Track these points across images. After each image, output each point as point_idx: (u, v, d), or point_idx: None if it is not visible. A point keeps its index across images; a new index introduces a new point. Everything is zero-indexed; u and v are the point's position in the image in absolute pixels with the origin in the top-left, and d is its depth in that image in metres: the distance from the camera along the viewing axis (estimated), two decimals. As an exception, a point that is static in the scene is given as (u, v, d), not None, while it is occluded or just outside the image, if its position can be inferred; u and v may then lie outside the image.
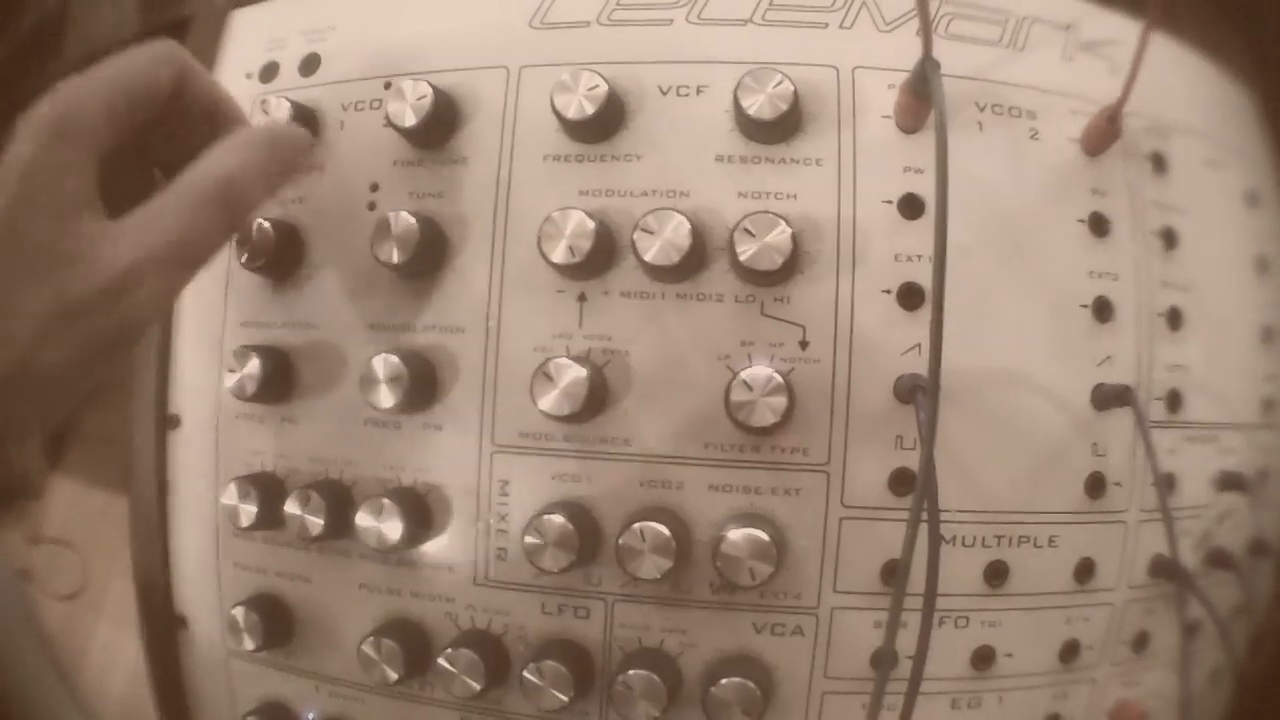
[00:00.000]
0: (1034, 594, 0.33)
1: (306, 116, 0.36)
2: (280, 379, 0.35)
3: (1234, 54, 0.43)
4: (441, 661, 0.32)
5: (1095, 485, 0.34)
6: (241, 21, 0.40)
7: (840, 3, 0.34)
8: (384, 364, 0.32)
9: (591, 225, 0.31)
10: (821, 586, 0.32)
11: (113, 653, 0.52)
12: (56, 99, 0.26)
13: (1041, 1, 0.36)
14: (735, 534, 0.30)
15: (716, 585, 0.32)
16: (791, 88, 0.31)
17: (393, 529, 0.32)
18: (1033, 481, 0.33)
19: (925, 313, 0.32)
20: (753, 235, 0.30)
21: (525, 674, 0.31)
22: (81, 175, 0.26)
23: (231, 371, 0.34)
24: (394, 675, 0.33)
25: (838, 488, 0.32)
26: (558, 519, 0.31)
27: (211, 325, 0.37)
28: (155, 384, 0.38)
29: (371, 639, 0.33)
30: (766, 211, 0.30)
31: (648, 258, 0.30)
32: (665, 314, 0.32)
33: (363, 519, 0.32)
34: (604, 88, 0.31)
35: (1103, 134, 0.34)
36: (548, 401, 0.31)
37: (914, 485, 0.31)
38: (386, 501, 0.32)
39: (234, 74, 0.38)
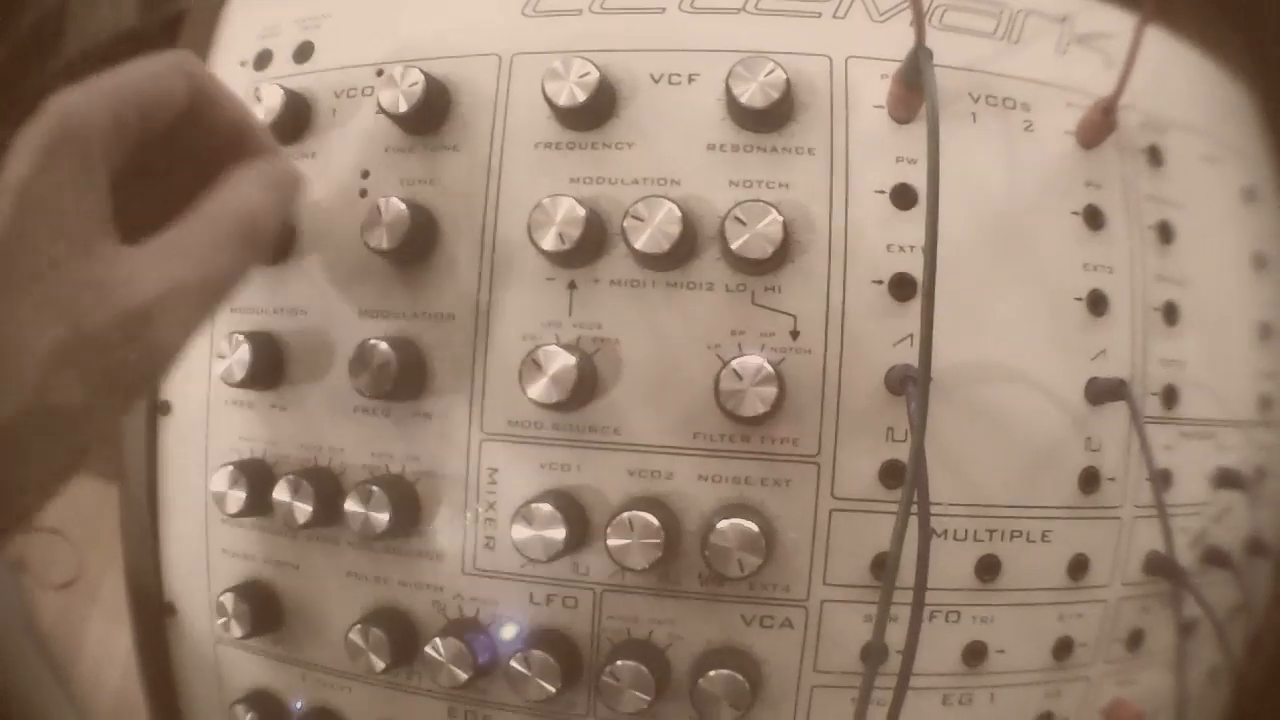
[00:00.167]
0: (1026, 589, 0.33)
1: (299, 104, 0.36)
2: (270, 365, 0.35)
3: (1232, 51, 0.43)
4: (429, 650, 0.32)
5: (1089, 480, 0.33)
6: (236, 10, 0.40)
7: (834, -7, 0.34)
8: (373, 351, 0.32)
9: (582, 213, 0.31)
10: (811, 579, 0.32)
11: (107, 643, 0.52)
12: (58, 110, 0.24)
13: (1037, -6, 0.36)
14: (724, 525, 0.30)
15: (705, 576, 0.32)
16: (784, 76, 0.31)
17: (381, 516, 0.32)
18: (1025, 475, 0.33)
19: (917, 304, 0.32)
20: (744, 224, 0.30)
21: (512, 664, 0.31)
22: (91, 193, 0.24)
23: (221, 357, 0.34)
24: (381, 664, 0.33)
25: (828, 479, 0.31)
26: (546, 508, 0.31)
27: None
28: (146, 371, 0.38)
29: (359, 627, 0.33)
30: (758, 200, 0.30)
31: (638, 245, 0.30)
32: (655, 302, 0.32)
33: (351, 506, 0.32)
34: (595, 75, 0.31)
35: (1098, 127, 0.34)
36: (537, 390, 0.31)
37: (904, 477, 0.31)
38: (375, 489, 0.32)
39: (228, 62, 0.39)
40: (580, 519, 0.32)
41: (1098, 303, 0.34)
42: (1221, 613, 0.37)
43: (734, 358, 0.30)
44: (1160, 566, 0.35)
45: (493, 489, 0.33)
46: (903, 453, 0.31)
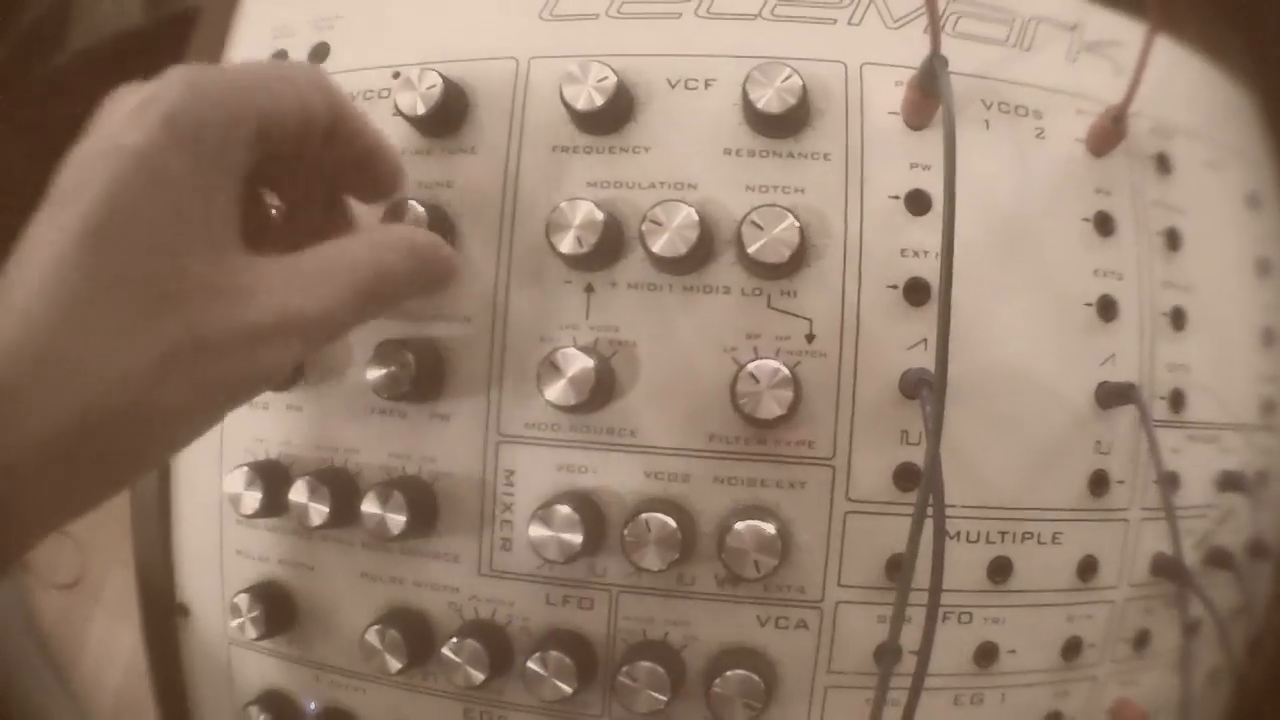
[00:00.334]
0: (1037, 591, 0.33)
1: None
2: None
3: (1235, 56, 0.44)
4: (445, 651, 0.32)
5: (1098, 483, 0.34)
6: (250, 8, 0.40)
7: (848, 0, 0.34)
8: (391, 352, 0.32)
9: (600, 216, 0.31)
10: (826, 580, 0.32)
11: (110, 643, 0.52)
12: (188, 87, 0.22)
13: (1047, 2, 0.36)
14: (740, 526, 0.30)
15: (721, 578, 0.32)
16: (800, 82, 0.31)
17: (398, 518, 0.32)
18: (1036, 478, 0.33)
19: (931, 308, 0.32)
20: (760, 228, 0.30)
21: (529, 665, 0.31)
22: (232, 193, 0.22)
23: (237, 359, 0.34)
24: (397, 665, 0.33)
25: (843, 482, 0.32)
26: (563, 509, 0.31)
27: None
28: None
29: (375, 628, 0.33)
30: (774, 205, 0.31)
31: (655, 249, 0.31)
32: (672, 306, 0.32)
33: (368, 507, 0.32)
34: (613, 79, 0.32)
35: (1108, 134, 0.35)
36: (554, 392, 0.31)
37: (919, 480, 0.32)
38: (392, 490, 0.32)
39: (243, 61, 0.38)
40: (597, 521, 0.32)
41: (1107, 308, 0.34)
42: (1224, 614, 0.38)
43: (750, 361, 0.30)
44: (1167, 568, 0.36)
45: (509, 490, 0.33)
46: (916, 455, 0.32)
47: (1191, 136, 0.39)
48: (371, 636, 0.33)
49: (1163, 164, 0.37)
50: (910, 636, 0.30)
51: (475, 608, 0.34)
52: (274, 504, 0.34)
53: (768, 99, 0.31)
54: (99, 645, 0.53)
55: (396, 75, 0.35)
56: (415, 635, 0.33)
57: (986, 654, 0.33)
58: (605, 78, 0.32)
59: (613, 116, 0.33)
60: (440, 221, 0.33)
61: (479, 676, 0.32)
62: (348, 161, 0.28)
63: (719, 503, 0.32)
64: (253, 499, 0.34)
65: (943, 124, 0.28)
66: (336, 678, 0.36)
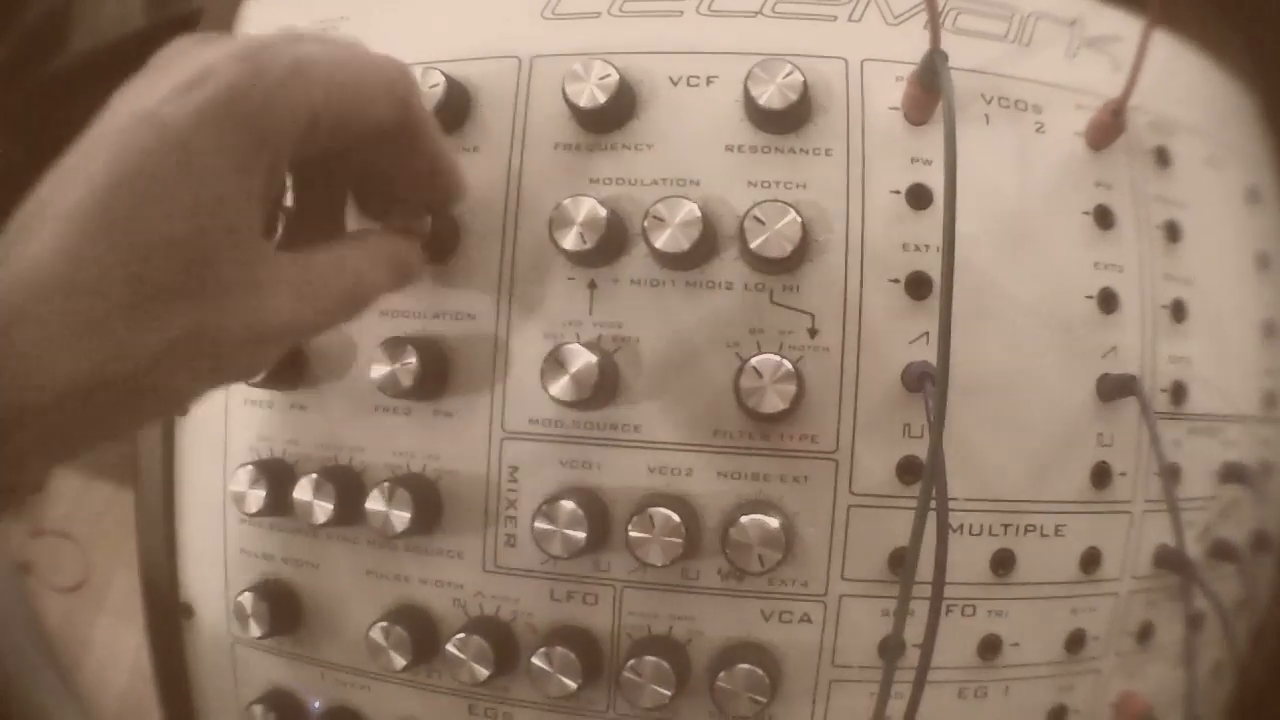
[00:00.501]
0: (1040, 583, 0.34)
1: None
2: (291, 365, 0.35)
3: (1233, 52, 0.44)
4: (450, 648, 0.32)
5: (1101, 475, 0.34)
6: (252, 12, 0.40)
7: (849, -4, 0.34)
8: (395, 350, 0.32)
9: (603, 213, 0.31)
10: (829, 574, 0.32)
11: (114, 646, 0.52)
12: (254, 68, 0.20)
13: (1046, -3, 0.37)
14: (745, 521, 0.30)
15: (725, 572, 0.32)
16: (801, 78, 0.31)
17: (402, 515, 0.32)
18: (1039, 470, 0.33)
19: (933, 302, 0.32)
20: (763, 223, 0.30)
21: (534, 661, 0.31)
22: (265, 190, 0.21)
23: (241, 358, 0.34)
24: (402, 662, 0.33)
25: (846, 475, 0.32)
26: (568, 505, 0.31)
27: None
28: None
29: (380, 626, 0.33)
30: (776, 200, 0.31)
31: (658, 245, 0.31)
32: (675, 301, 0.32)
33: (372, 505, 0.32)
34: (615, 77, 0.32)
35: (1107, 128, 0.35)
36: (558, 388, 0.31)
37: (921, 473, 0.32)
38: (396, 488, 0.32)
39: (245, 63, 0.39)
40: (601, 516, 0.32)
41: (1108, 301, 0.34)
42: (1227, 606, 0.38)
43: (753, 356, 0.31)
44: (1170, 560, 0.36)
45: (514, 487, 0.33)
46: (919, 449, 0.32)
47: (1191, 131, 0.39)
48: (376, 634, 0.33)
49: (1162, 158, 0.38)
50: (914, 630, 0.30)
51: (480, 604, 0.34)
52: (278, 502, 0.34)
53: (769, 95, 0.31)
54: (103, 647, 0.53)
55: (399, 74, 0.35)
56: (420, 632, 0.33)
57: (990, 647, 0.33)
58: (607, 75, 0.32)
59: (615, 114, 0.33)
60: (443, 219, 0.33)
61: (484, 673, 0.32)
62: (407, 168, 0.27)
63: (723, 497, 0.32)
64: (257, 497, 0.34)
65: (943, 119, 0.28)
66: (341, 676, 0.36)
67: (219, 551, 0.37)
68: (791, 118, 0.32)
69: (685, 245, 0.31)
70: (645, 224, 0.31)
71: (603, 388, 0.31)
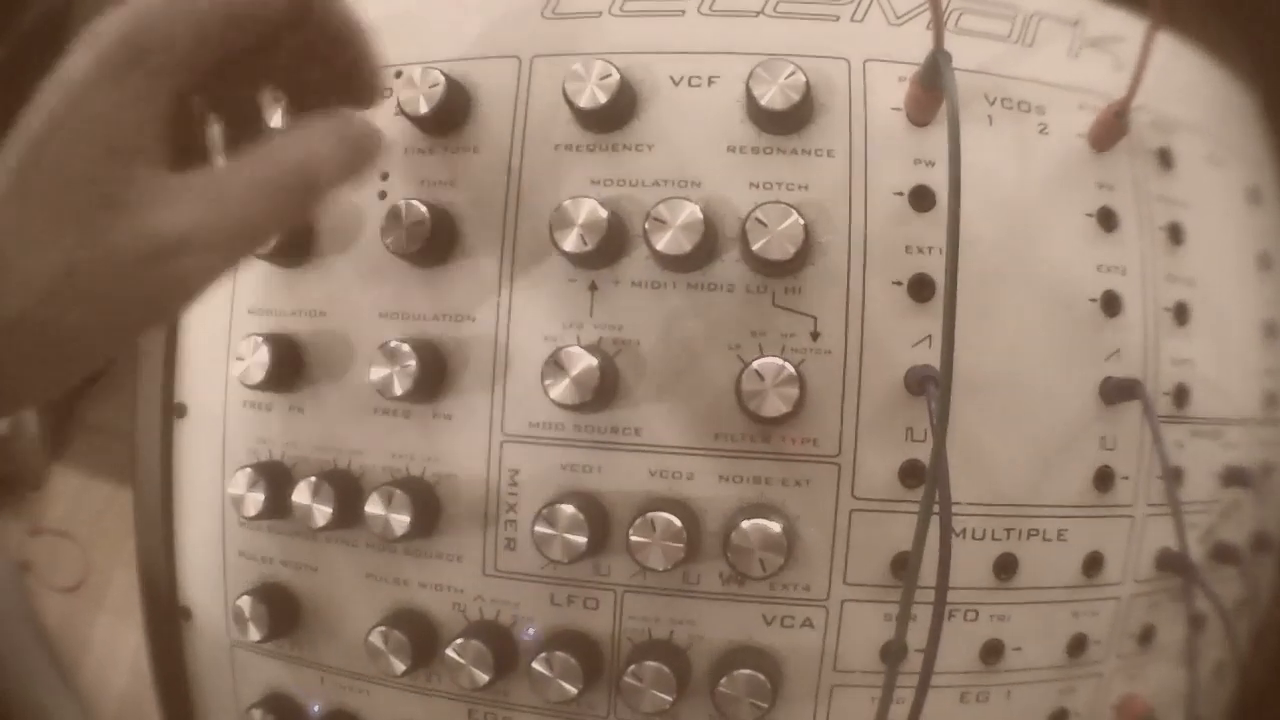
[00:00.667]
0: (1043, 587, 0.33)
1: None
2: (289, 367, 0.35)
3: (1234, 51, 0.44)
4: (450, 652, 0.32)
5: (1103, 478, 0.34)
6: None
7: (851, -4, 0.34)
8: (394, 352, 0.32)
9: (604, 214, 0.31)
10: (831, 578, 0.32)
11: (113, 645, 0.52)
12: (134, 13, 0.22)
13: (1049, -3, 0.36)
14: (746, 525, 0.30)
15: (726, 576, 0.32)
16: (803, 79, 0.31)
17: (402, 518, 0.32)
18: (1042, 474, 0.33)
19: (936, 304, 0.32)
20: (765, 225, 0.30)
21: (534, 665, 0.31)
22: (150, 111, 0.22)
23: (240, 359, 0.34)
24: (401, 666, 0.33)
25: (848, 479, 0.32)
26: (568, 509, 0.31)
27: (219, 312, 0.37)
28: (162, 372, 0.38)
29: (379, 630, 0.33)
30: (778, 201, 0.30)
31: (659, 247, 0.30)
32: (676, 304, 0.32)
33: (372, 508, 0.32)
34: (616, 77, 0.31)
35: (1111, 129, 0.35)
36: (559, 391, 0.31)
37: (924, 477, 0.32)
38: (395, 491, 0.32)
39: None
40: (602, 520, 0.32)
41: (1111, 303, 0.34)
42: (1228, 608, 0.38)
43: (755, 359, 0.30)
44: (1172, 563, 0.36)
45: (514, 490, 0.33)
46: (922, 452, 0.32)
47: (1192, 129, 0.39)
48: (376, 638, 0.33)
49: (1164, 159, 0.37)
50: (916, 635, 0.30)
51: (480, 608, 0.34)
52: (277, 505, 0.34)
53: (771, 95, 0.31)
54: (103, 647, 0.53)
55: (399, 74, 0.35)
56: (420, 636, 0.33)
57: (993, 651, 0.33)
58: (608, 75, 0.31)
59: (616, 114, 0.32)
60: (443, 220, 0.33)
61: (484, 677, 0.32)
62: (324, 45, 0.26)
63: (724, 501, 0.32)
64: (256, 500, 0.34)
65: (947, 120, 0.28)
66: (341, 679, 0.36)
67: (218, 554, 0.37)
68: (794, 118, 0.32)
69: (687, 247, 0.30)
70: (646, 225, 0.31)
71: (603, 391, 0.31)
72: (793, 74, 0.31)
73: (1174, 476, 0.35)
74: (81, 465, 0.54)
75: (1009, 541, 0.33)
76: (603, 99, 0.31)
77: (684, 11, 0.34)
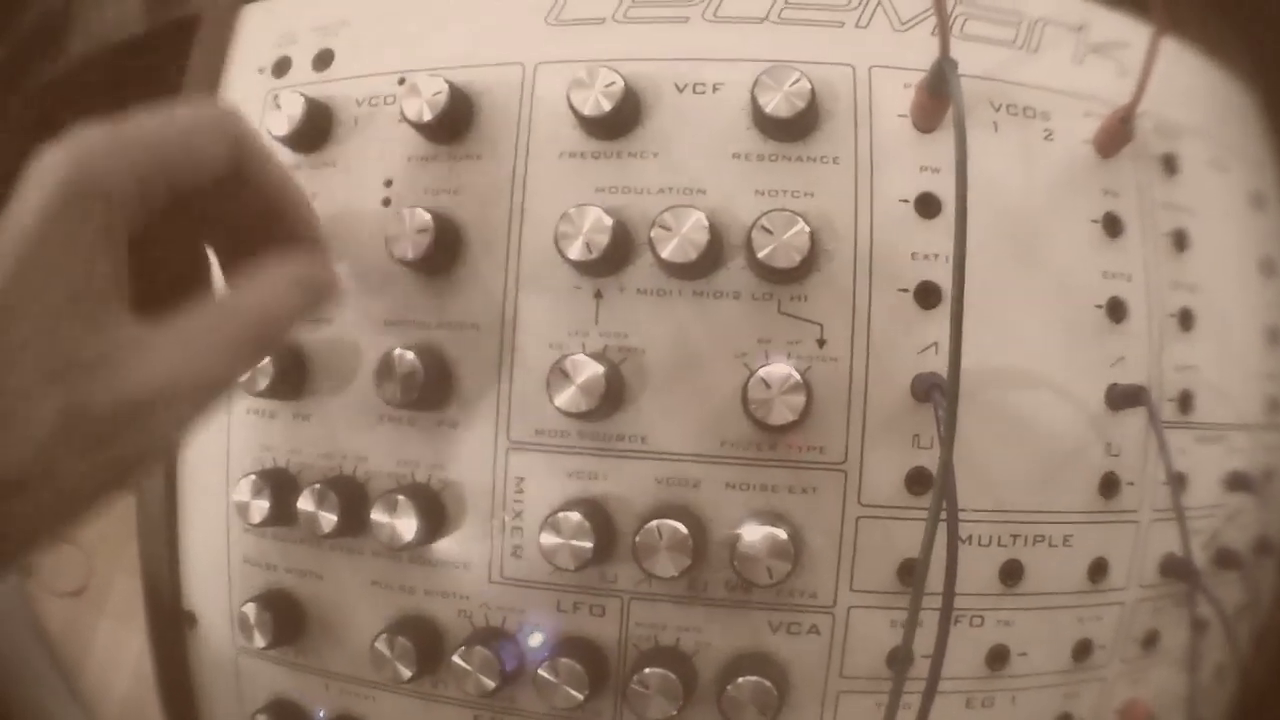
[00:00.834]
0: (1048, 593, 0.33)
1: (320, 112, 0.35)
2: (294, 375, 0.35)
3: (1235, 56, 0.44)
4: (456, 659, 0.32)
5: (1109, 485, 0.34)
6: (253, 15, 0.39)
7: (856, 2, 0.34)
8: (399, 360, 0.32)
9: (609, 222, 0.31)
10: (838, 585, 0.32)
11: (115, 650, 0.52)
12: (75, 156, 0.22)
13: (1053, 3, 0.36)
14: (753, 532, 0.30)
15: (733, 584, 0.32)
16: (809, 86, 0.31)
17: (407, 526, 0.32)
18: (1047, 481, 0.33)
19: (942, 311, 0.32)
20: (771, 233, 0.30)
21: (540, 672, 0.31)
22: (105, 256, 0.22)
23: (244, 367, 0.34)
24: (407, 673, 0.33)
25: (854, 486, 0.32)
26: (574, 516, 0.31)
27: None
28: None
29: (384, 636, 0.33)
30: (784, 209, 0.30)
31: (665, 255, 0.30)
32: (682, 311, 0.32)
33: (377, 516, 0.32)
34: (621, 84, 0.31)
35: (1116, 135, 0.35)
36: (564, 398, 0.31)
37: (931, 484, 0.32)
38: (401, 498, 0.32)
39: (245, 68, 0.38)
40: (608, 528, 0.32)
41: (1116, 309, 0.34)
42: (1230, 612, 0.38)
43: (761, 366, 0.30)
44: (1176, 569, 0.36)
45: (519, 498, 0.33)
46: (928, 459, 0.32)
47: (1195, 134, 0.39)
48: (381, 645, 0.33)
49: (1169, 164, 0.37)
50: (921, 641, 0.30)
51: (485, 615, 0.34)
52: (282, 512, 0.34)
53: (776, 103, 0.31)
54: (105, 651, 0.53)
55: (402, 81, 0.35)
56: (425, 643, 0.33)
57: (998, 657, 0.33)
58: (613, 83, 0.31)
59: (620, 122, 0.32)
60: (447, 229, 0.33)
61: (490, 684, 0.32)
62: (257, 208, 0.27)
63: (731, 509, 0.32)
64: (261, 507, 0.34)
65: (954, 127, 0.28)
66: (346, 686, 0.36)
67: (222, 561, 0.37)
68: (799, 125, 0.32)
69: (692, 255, 0.30)
70: (652, 233, 0.30)
71: (609, 398, 0.31)
72: (798, 81, 0.31)
73: (1178, 482, 0.36)
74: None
75: (1015, 548, 0.33)
76: (607, 107, 0.31)
77: (688, 19, 0.34)
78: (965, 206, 0.27)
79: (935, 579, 0.28)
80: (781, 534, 0.30)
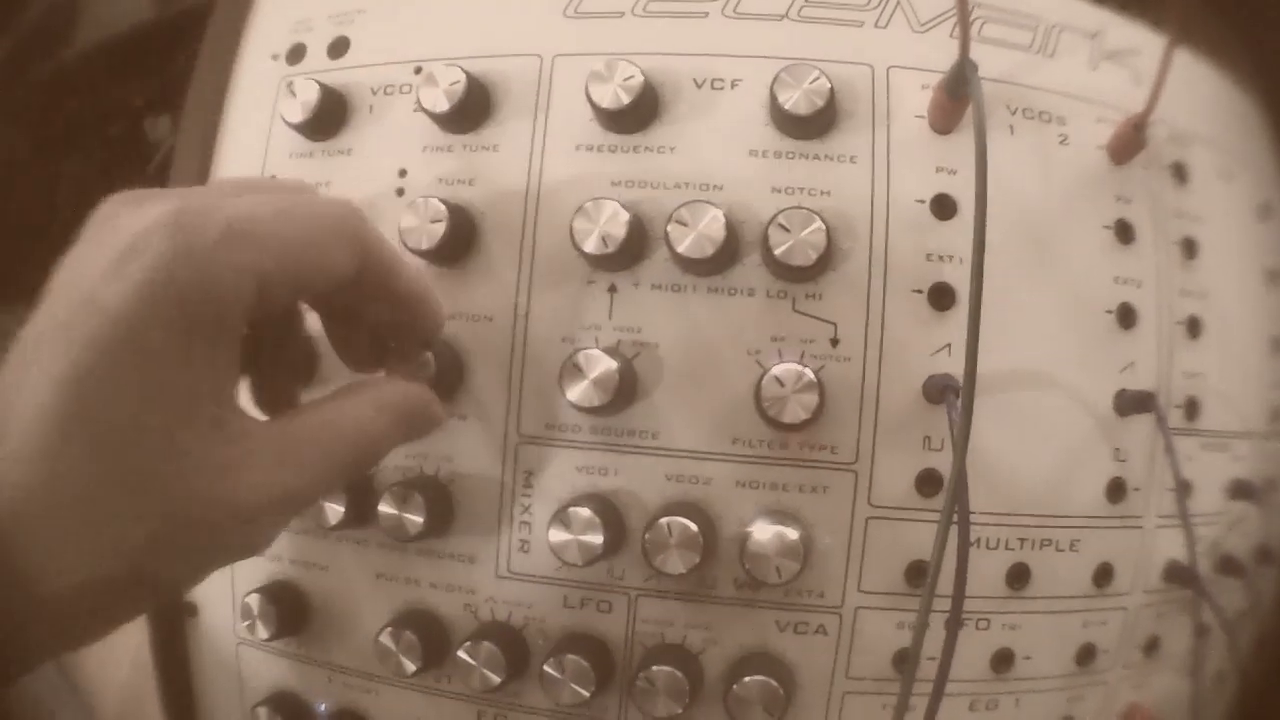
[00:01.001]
0: (1054, 597, 0.34)
1: (335, 100, 0.35)
2: (303, 365, 0.34)
3: (1243, 66, 0.44)
4: (461, 654, 0.32)
5: (1116, 490, 0.34)
6: (266, 4, 0.39)
7: (875, 2, 0.34)
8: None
9: (626, 216, 0.31)
10: (846, 586, 0.32)
11: (114, 639, 0.52)
12: (185, 247, 0.19)
13: (1070, 9, 0.36)
14: (763, 531, 0.30)
15: (741, 582, 0.32)
16: (828, 84, 0.31)
17: (415, 518, 0.32)
18: (1056, 484, 0.33)
19: (955, 313, 0.32)
20: (787, 230, 0.30)
21: (546, 668, 0.31)
22: (223, 364, 0.21)
23: (252, 356, 0.34)
24: (412, 667, 0.32)
25: (865, 487, 0.32)
26: (584, 512, 0.30)
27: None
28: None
29: (389, 630, 0.32)
30: (801, 207, 0.30)
31: (681, 250, 0.30)
32: (696, 307, 0.32)
33: (385, 507, 0.32)
34: (640, 78, 0.31)
35: (1129, 142, 0.35)
36: (577, 393, 0.30)
37: (941, 486, 0.32)
38: (409, 490, 0.32)
39: (260, 55, 0.38)
40: (617, 524, 0.32)
41: (1127, 315, 0.34)
42: (1231, 619, 0.38)
43: (775, 364, 0.30)
44: (1180, 576, 0.36)
45: (528, 492, 0.33)
46: (939, 461, 0.32)
47: (1205, 143, 0.39)
48: (386, 638, 0.32)
49: (1179, 173, 0.38)
50: (927, 643, 0.29)
51: (492, 610, 0.33)
52: (288, 503, 0.34)
53: (795, 100, 0.31)
54: (103, 640, 0.52)
55: (419, 71, 0.35)
56: (431, 637, 0.33)
57: (1003, 659, 0.33)
58: (632, 76, 0.31)
59: (638, 116, 0.32)
60: (462, 219, 0.33)
61: (495, 679, 0.32)
62: (379, 309, 0.27)
63: (741, 507, 0.32)
64: (267, 498, 0.34)
65: (974, 129, 0.28)
66: (349, 679, 0.35)
67: (225, 551, 0.37)
68: (817, 123, 0.32)
69: (709, 251, 0.30)
70: (668, 228, 0.30)
71: (622, 393, 0.31)
72: (817, 79, 0.31)
73: (1184, 489, 0.36)
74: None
75: (1022, 551, 0.33)
76: (626, 100, 0.31)
77: (708, 14, 0.34)
78: (985, 209, 0.27)
79: (944, 582, 0.28)
80: (791, 533, 0.30)
